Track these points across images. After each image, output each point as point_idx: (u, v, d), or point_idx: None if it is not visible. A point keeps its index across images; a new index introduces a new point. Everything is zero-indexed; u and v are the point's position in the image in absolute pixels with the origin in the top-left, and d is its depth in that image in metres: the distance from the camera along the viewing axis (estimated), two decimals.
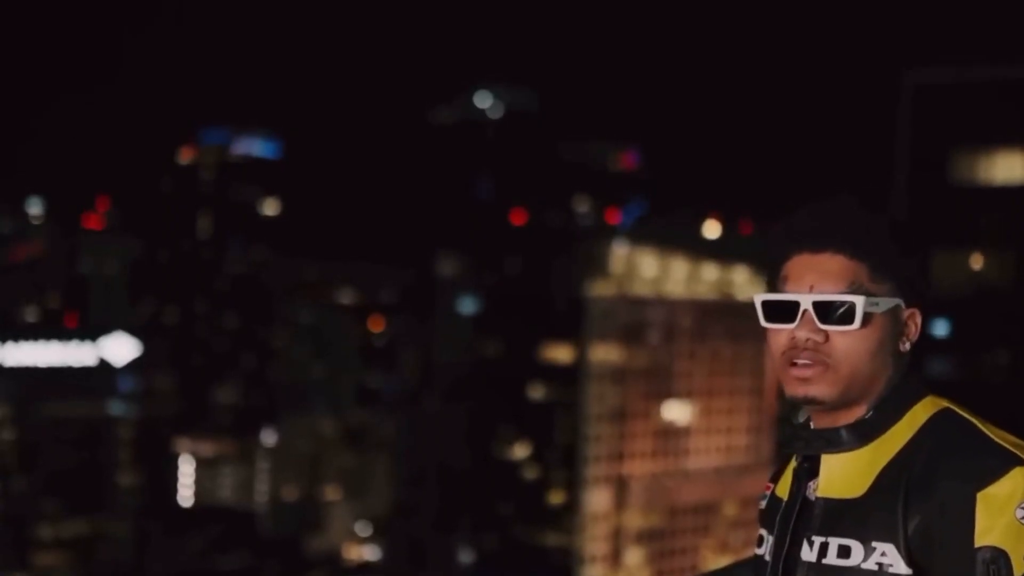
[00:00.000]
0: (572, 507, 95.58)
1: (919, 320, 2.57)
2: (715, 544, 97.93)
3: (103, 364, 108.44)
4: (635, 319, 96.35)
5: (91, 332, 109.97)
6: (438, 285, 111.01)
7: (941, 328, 51.80)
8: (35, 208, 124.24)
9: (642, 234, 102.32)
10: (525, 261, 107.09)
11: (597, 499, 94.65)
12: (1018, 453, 2.37)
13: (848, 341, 2.48)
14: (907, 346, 2.56)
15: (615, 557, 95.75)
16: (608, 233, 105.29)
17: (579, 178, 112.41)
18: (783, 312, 2.52)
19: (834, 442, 2.53)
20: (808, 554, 2.52)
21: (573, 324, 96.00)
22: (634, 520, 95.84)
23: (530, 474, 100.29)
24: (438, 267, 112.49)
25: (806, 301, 2.49)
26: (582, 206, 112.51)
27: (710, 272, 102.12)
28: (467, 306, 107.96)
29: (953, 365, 50.99)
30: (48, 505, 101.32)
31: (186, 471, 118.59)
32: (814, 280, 2.50)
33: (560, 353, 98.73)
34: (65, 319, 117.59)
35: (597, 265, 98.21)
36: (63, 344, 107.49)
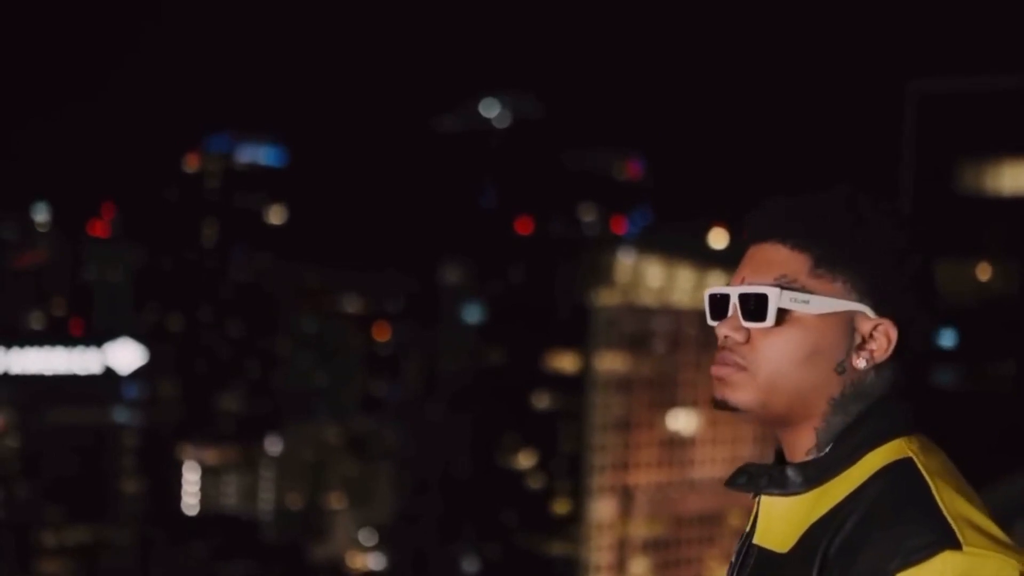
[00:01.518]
0: (577, 516, 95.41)
1: (894, 335, 2.12)
2: (720, 554, 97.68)
3: (108, 371, 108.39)
4: (641, 328, 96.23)
5: (96, 339, 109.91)
6: (442, 293, 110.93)
7: (947, 338, 51.64)
8: (40, 215, 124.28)
9: (648, 243, 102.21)
10: (530, 270, 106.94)
11: (602, 509, 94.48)
12: (957, 533, 1.95)
13: (766, 342, 2.13)
14: (862, 363, 2.13)
15: (620, 567, 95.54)
16: (614, 242, 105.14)
17: (584, 187, 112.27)
18: (719, 308, 2.21)
19: (776, 482, 2.20)
20: None
21: (578, 333, 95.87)
22: (639, 530, 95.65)
23: (535, 483, 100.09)
24: (443, 275, 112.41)
25: (734, 295, 2.17)
26: (587, 215, 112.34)
27: (716, 281, 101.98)
28: (472, 314, 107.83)
29: (959, 375, 50.80)
30: (52, 512, 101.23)
31: (190, 479, 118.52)
32: (747, 272, 2.19)
33: (565, 362, 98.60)
34: (70, 326, 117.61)
35: (602, 274, 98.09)
36: (68, 351, 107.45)
